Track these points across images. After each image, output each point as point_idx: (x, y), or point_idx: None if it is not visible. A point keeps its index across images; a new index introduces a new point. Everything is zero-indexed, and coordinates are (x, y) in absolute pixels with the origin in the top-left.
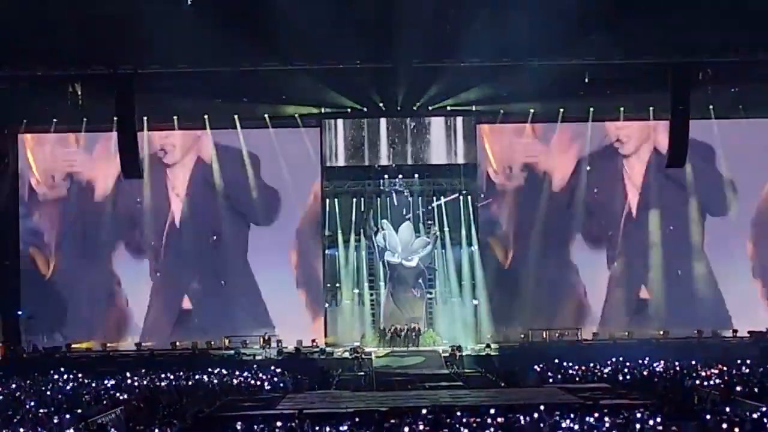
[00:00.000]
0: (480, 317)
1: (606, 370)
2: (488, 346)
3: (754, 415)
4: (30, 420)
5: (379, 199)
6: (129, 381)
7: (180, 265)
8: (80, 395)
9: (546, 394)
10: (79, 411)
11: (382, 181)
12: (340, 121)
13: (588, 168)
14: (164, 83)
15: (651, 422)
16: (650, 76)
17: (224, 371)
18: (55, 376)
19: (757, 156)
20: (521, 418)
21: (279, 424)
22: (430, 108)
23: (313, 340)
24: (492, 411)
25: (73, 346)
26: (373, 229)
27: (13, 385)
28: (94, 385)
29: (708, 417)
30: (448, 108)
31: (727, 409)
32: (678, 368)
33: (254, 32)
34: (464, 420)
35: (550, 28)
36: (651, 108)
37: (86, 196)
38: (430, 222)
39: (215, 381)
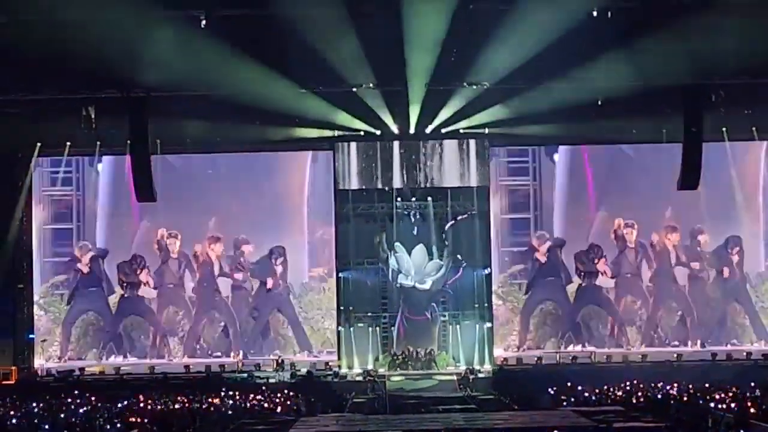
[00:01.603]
0: (493, 340)
1: (620, 393)
2: (501, 368)
3: None
4: None
5: (392, 221)
6: (142, 404)
7: None
8: (94, 418)
9: (560, 416)
10: None
11: (395, 203)
12: (353, 144)
13: None
14: (177, 106)
15: None
16: (663, 98)
17: (237, 394)
18: (69, 399)
19: None
20: None
21: None
22: (443, 131)
23: (327, 363)
24: None
25: (86, 369)
26: (386, 251)
27: (27, 409)
28: (108, 407)
29: None
30: (461, 131)
31: None
32: (692, 391)
33: (267, 55)
34: None
35: (562, 50)
36: (664, 130)
37: None
38: (442, 245)
39: (228, 404)
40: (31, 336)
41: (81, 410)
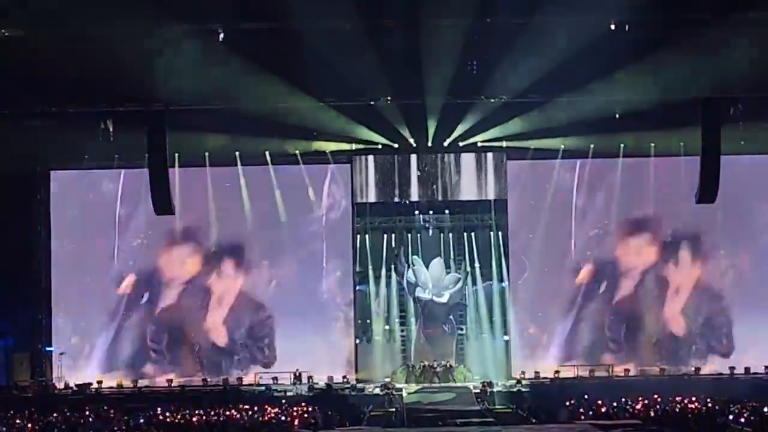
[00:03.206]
0: (511, 353)
1: (637, 407)
2: (519, 382)
3: None
4: None
5: (409, 234)
6: (160, 417)
7: None
8: (112, 431)
9: (577, 430)
10: None
11: (412, 217)
12: (370, 158)
13: None
14: (195, 120)
15: None
16: (681, 112)
17: (255, 407)
18: (86, 412)
19: None
20: None
21: None
22: (460, 144)
23: (344, 377)
24: None
25: (104, 382)
26: (403, 265)
27: (45, 421)
28: (125, 420)
29: None
30: (479, 144)
31: None
32: (709, 404)
33: (285, 69)
34: None
35: (580, 63)
36: (682, 143)
37: None
38: (460, 258)
39: (246, 417)
40: (48, 349)
41: (99, 423)
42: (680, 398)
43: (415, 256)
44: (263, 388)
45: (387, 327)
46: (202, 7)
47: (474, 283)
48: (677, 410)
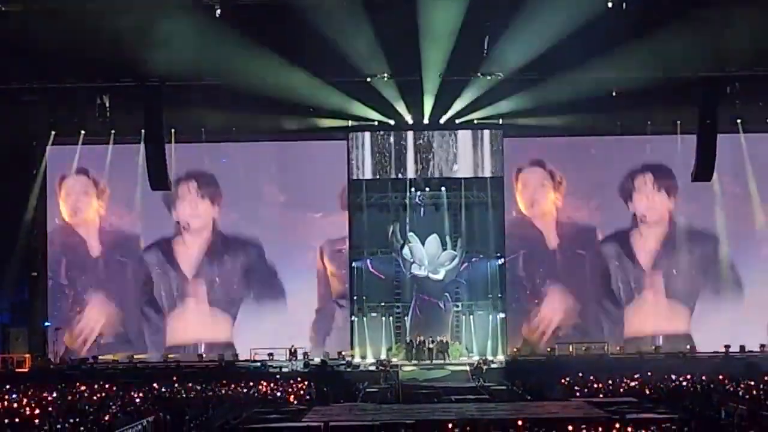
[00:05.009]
0: (506, 330)
1: (633, 384)
2: (514, 359)
3: None
4: (57, 431)
5: (405, 211)
6: (156, 393)
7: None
8: (107, 406)
9: (572, 407)
10: (106, 422)
11: (408, 193)
12: (367, 134)
13: None
14: (192, 95)
15: None
16: (678, 90)
17: (251, 383)
18: (82, 387)
19: None
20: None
21: None
22: (457, 121)
23: (340, 353)
24: (519, 424)
25: (100, 357)
26: (399, 241)
27: (41, 396)
28: (121, 395)
29: None
30: (475, 121)
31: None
32: (704, 382)
33: (282, 45)
34: None
35: (577, 41)
36: (678, 122)
37: None
38: (456, 235)
39: (242, 393)
40: (46, 324)
41: (95, 398)
42: (675, 376)
43: (411, 233)
44: (259, 364)
45: (382, 304)
46: None
47: (470, 260)
48: (672, 388)
